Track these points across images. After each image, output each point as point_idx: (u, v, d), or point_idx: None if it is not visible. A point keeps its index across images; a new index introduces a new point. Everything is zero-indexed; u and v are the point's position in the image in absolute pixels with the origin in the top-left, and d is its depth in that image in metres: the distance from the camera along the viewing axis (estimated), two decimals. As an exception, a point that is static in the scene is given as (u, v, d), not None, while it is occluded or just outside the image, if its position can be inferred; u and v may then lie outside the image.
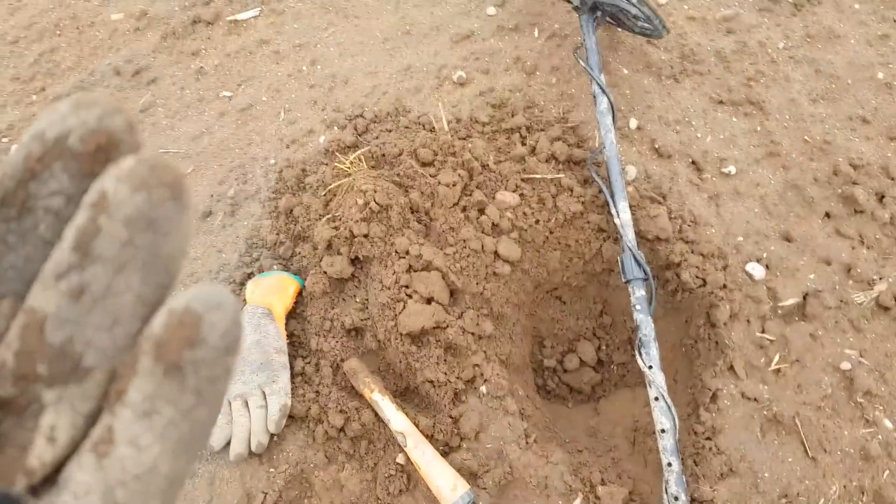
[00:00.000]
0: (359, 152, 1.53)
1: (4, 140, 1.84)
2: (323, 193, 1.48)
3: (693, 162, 1.55)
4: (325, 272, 1.38)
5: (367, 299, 1.38)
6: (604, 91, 1.47)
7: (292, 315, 1.41)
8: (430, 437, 1.25)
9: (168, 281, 0.21)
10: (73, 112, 0.21)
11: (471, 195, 1.44)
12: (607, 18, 1.64)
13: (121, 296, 0.20)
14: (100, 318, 0.20)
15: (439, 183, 1.43)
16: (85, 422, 0.21)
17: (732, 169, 1.53)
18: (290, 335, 1.38)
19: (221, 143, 1.70)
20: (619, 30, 1.71)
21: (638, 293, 1.33)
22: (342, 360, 1.34)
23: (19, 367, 0.20)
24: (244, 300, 1.40)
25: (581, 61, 1.56)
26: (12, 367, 0.20)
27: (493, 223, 1.42)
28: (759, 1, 1.77)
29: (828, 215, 1.49)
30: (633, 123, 1.60)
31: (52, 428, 0.20)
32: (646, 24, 1.54)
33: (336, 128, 1.65)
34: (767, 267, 1.43)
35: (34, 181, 0.20)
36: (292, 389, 1.30)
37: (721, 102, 1.63)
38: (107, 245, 0.20)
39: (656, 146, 1.56)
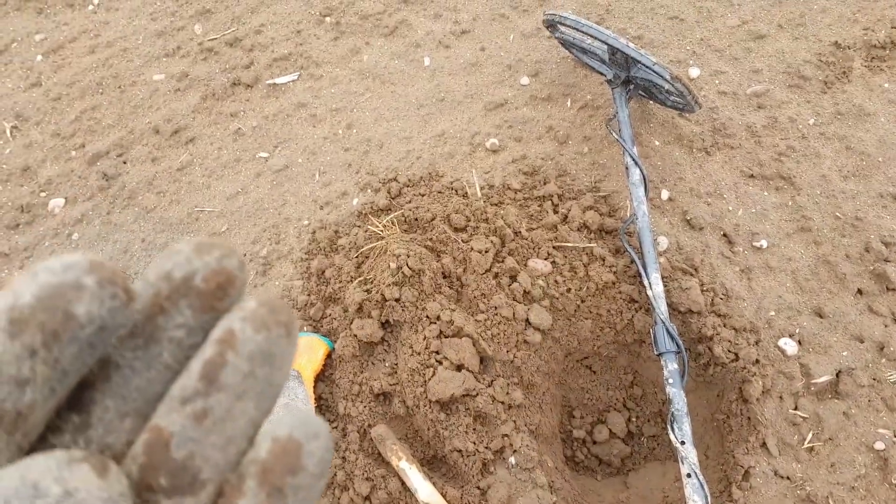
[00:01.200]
0: (392, 216, 1.55)
1: (42, 195, 1.88)
2: (355, 256, 1.50)
3: (724, 235, 1.55)
4: (356, 335, 1.38)
5: (396, 364, 1.38)
6: (637, 163, 1.49)
7: (321, 378, 1.41)
8: (458, 509, 1.23)
9: (272, 406, 0.24)
10: (196, 254, 0.23)
11: (503, 262, 1.45)
12: (640, 92, 1.67)
13: (237, 420, 0.23)
14: (217, 438, 0.22)
15: (472, 249, 1.44)
16: None
17: (764, 243, 1.53)
18: (317, 398, 1.38)
19: (256, 203, 1.73)
20: (651, 102, 1.74)
21: (670, 366, 1.32)
22: (370, 426, 1.33)
23: (143, 478, 0.22)
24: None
25: (613, 133, 1.59)
26: (136, 479, 0.22)
27: (524, 290, 1.42)
28: (789, 78, 1.80)
29: (860, 292, 1.48)
30: (665, 195, 1.61)
31: None
32: (678, 99, 1.57)
33: (370, 191, 1.68)
34: (800, 343, 1.41)
35: (162, 316, 0.23)
36: (319, 454, 1.29)
37: (752, 176, 1.64)
38: (231, 376, 0.22)
39: (688, 218, 1.57)
